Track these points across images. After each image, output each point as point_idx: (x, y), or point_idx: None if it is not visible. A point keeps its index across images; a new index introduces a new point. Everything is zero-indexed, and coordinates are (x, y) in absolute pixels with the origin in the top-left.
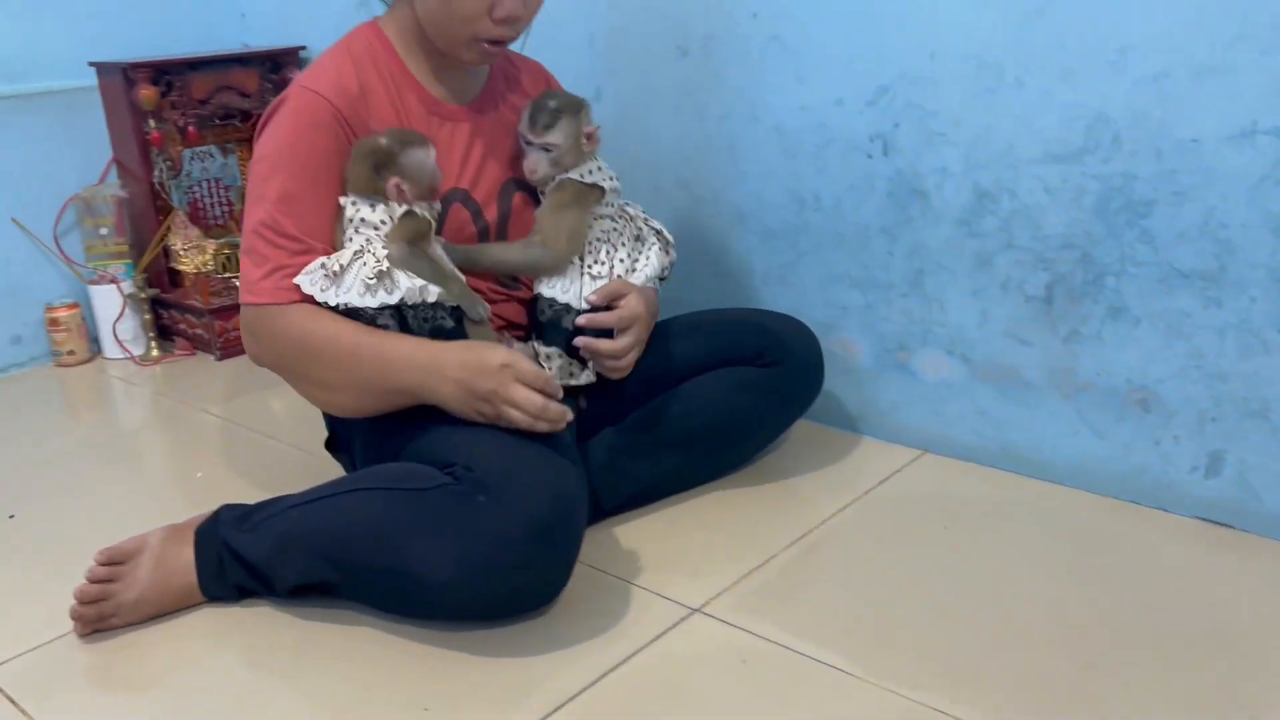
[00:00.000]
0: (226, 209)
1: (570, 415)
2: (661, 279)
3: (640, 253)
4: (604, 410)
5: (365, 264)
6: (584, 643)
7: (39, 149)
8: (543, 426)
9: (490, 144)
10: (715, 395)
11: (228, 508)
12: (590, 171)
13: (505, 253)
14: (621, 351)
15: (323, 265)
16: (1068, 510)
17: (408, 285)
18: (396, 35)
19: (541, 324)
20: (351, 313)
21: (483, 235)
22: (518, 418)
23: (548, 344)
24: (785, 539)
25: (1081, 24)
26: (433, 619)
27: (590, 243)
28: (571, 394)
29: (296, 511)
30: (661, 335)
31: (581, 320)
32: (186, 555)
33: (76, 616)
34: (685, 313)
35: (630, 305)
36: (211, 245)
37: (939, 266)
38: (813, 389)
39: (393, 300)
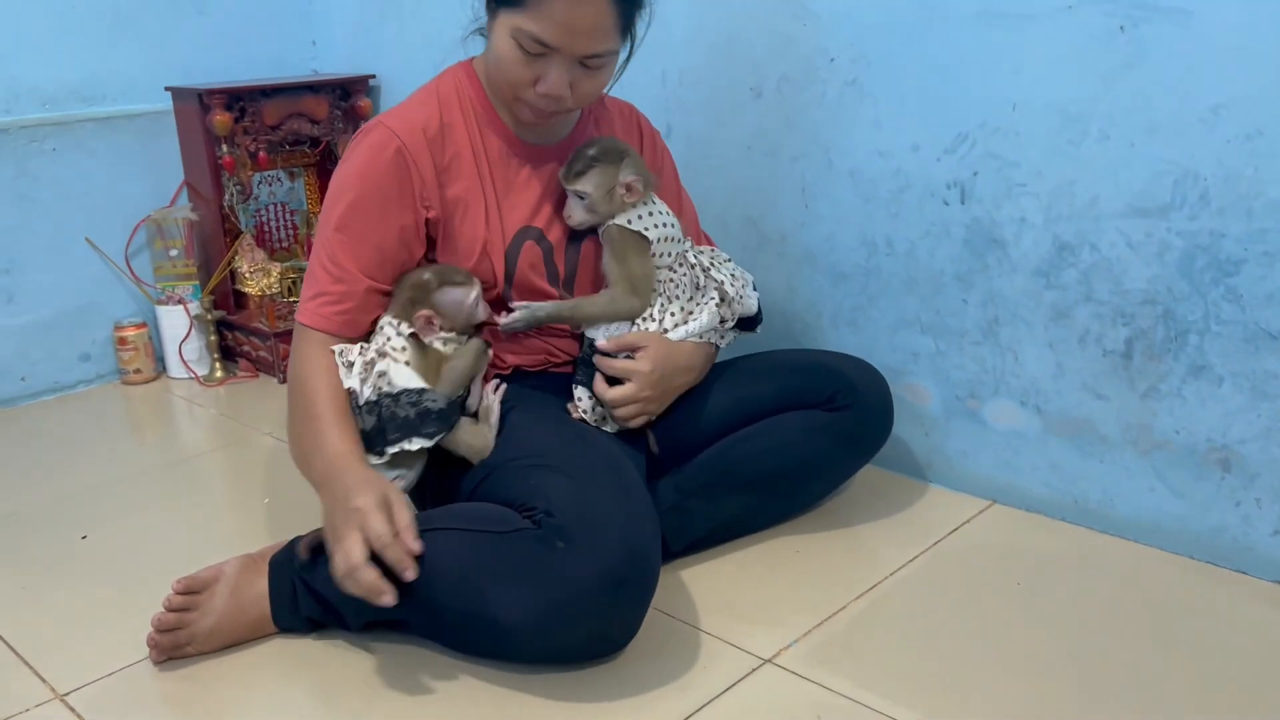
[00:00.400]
0: (291, 233)
1: (387, 598)
2: (749, 325)
3: (698, 304)
4: (672, 450)
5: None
6: (657, 690)
7: (113, 171)
8: (349, 586)
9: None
10: (785, 439)
11: (302, 540)
12: (638, 218)
13: (591, 308)
14: (616, 401)
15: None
16: (1143, 569)
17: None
18: (485, 76)
19: (576, 361)
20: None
21: (552, 278)
22: (337, 560)
23: (577, 383)
24: (855, 589)
25: (1171, 80)
26: (505, 660)
27: None
28: (639, 434)
29: None
30: (730, 376)
31: (599, 361)
32: (260, 585)
33: (153, 644)
34: (753, 353)
35: (636, 362)
36: (277, 268)
37: (1014, 316)
38: (882, 434)
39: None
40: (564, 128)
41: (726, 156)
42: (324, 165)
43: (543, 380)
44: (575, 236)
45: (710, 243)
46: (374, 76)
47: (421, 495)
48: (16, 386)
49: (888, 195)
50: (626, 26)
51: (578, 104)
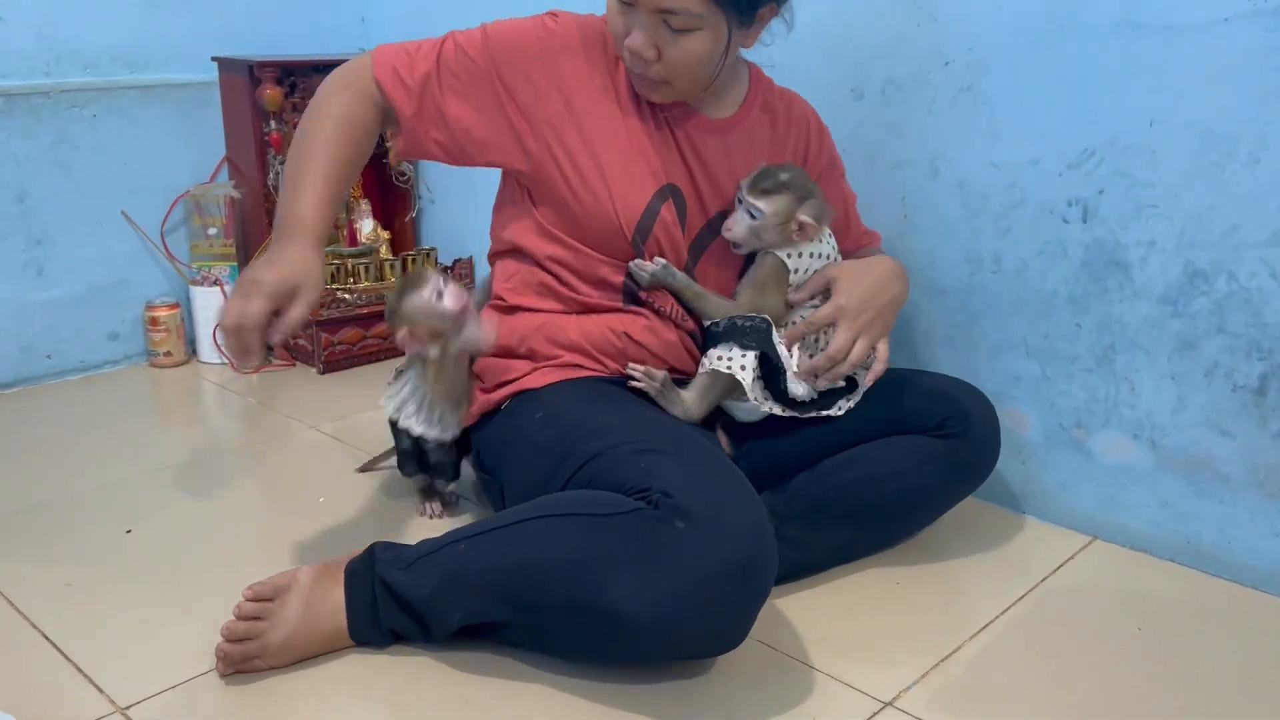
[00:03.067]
0: None
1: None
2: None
3: None
4: (766, 470)
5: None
6: None
7: (154, 142)
8: (227, 339)
9: (721, 159)
10: (894, 466)
11: (383, 545)
12: (798, 255)
13: (712, 306)
14: (838, 350)
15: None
16: (1272, 619)
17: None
18: None
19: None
20: None
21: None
22: (229, 309)
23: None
24: (965, 629)
25: None
26: (618, 660)
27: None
28: (710, 424)
29: (466, 545)
30: None
31: (794, 331)
32: (336, 596)
33: (222, 655)
34: None
35: (829, 305)
36: None
37: (1133, 344)
38: (991, 464)
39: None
40: (726, 105)
41: None
42: None
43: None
44: (704, 233)
45: (872, 236)
46: None
47: (496, 478)
48: (42, 365)
49: (999, 210)
50: None
51: (669, 74)
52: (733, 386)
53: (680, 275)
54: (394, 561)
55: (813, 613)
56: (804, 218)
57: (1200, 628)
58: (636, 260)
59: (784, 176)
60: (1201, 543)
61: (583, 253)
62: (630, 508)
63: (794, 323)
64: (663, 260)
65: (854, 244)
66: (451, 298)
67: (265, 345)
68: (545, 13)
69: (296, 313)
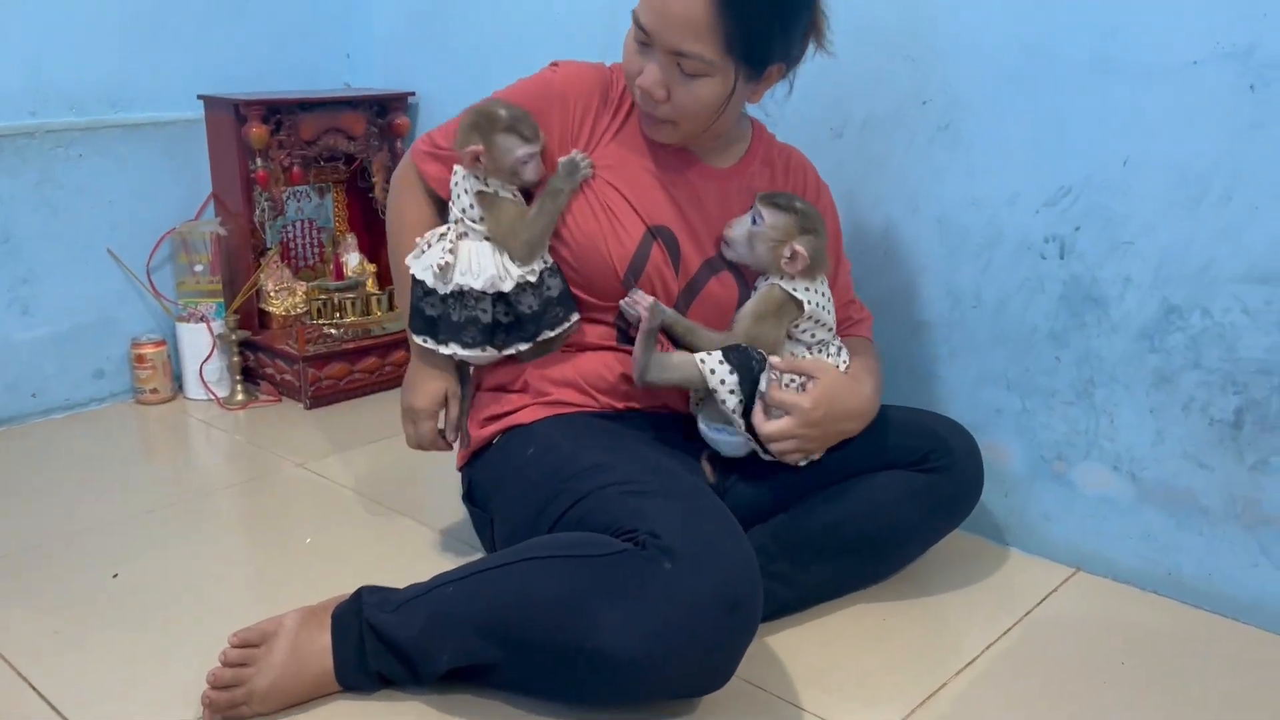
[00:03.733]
0: (318, 251)
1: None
2: None
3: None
4: (749, 502)
5: (440, 249)
6: None
7: (140, 180)
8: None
9: (718, 206)
10: (880, 502)
11: (370, 589)
12: (805, 289)
13: (711, 340)
14: (771, 435)
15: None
16: (1252, 650)
17: (456, 282)
18: None
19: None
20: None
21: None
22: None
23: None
24: (952, 664)
25: None
26: (606, 700)
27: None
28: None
29: (454, 588)
30: None
31: (769, 392)
32: (323, 640)
33: (208, 702)
34: None
35: (802, 396)
36: (302, 287)
37: (1111, 379)
38: (975, 499)
39: (445, 290)
40: (731, 155)
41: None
42: (354, 183)
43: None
44: (704, 267)
45: (862, 310)
46: (413, 94)
47: (488, 513)
48: (27, 403)
49: (978, 246)
50: (730, 44)
51: (676, 115)
52: (699, 386)
53: (669, 311)
54: (381, 605)
55: (799, 650)
56: (798, 246)
57: (1183, 659)
58: (626, 298)
59: (799, 204)
60: (1183, 574)
61: (577, 291)
62: (617, 549)
63: (791, 353)
64: (651, 298)
65: (845, 313)
66: (534, 171)
67: (447, 440)
68: (546, 66)
69: (453, 415)
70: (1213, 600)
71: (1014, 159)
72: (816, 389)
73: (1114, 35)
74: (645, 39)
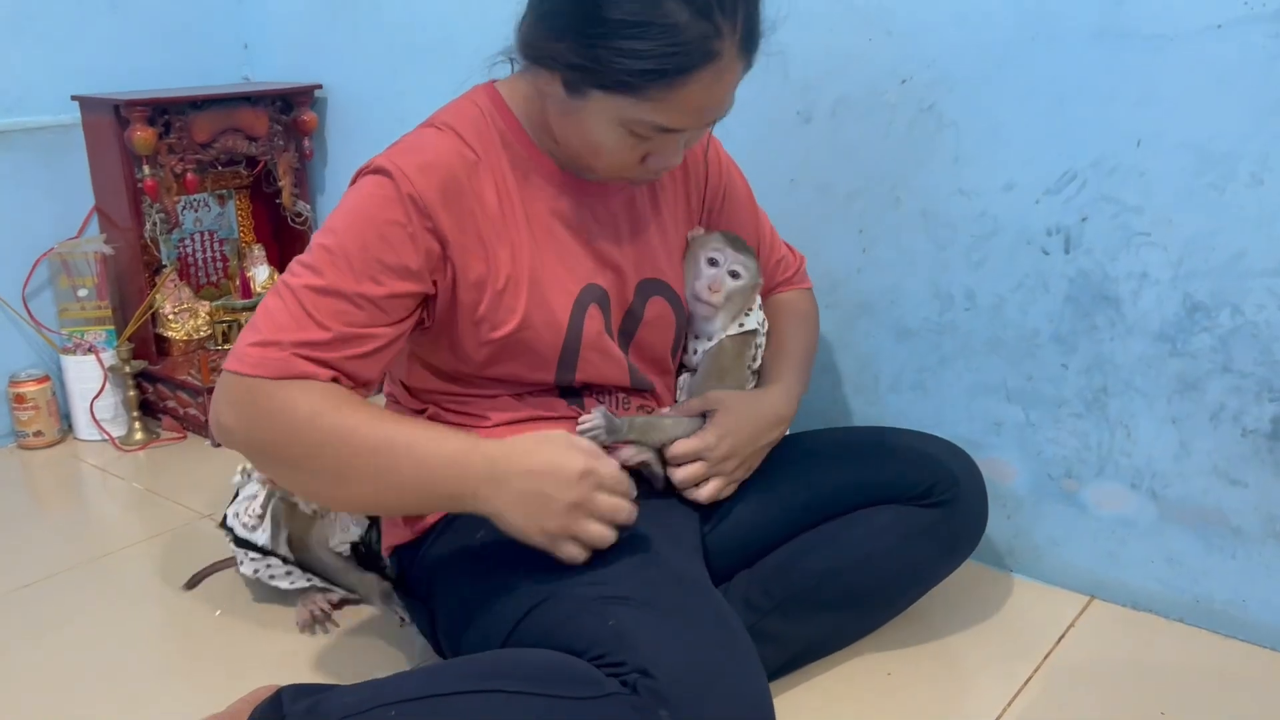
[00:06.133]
0: (221, 266)
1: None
2: None
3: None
4: (734, 542)
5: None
6: None
7: (8, 195)
8: (610, 539)
9: (637, 223)
10: (883, 545)
11: (292, 692)
12: (745, 317)
13: (677, 429)
14: (685, 482)
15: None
16: None
17: (265, 540)
18: (523, 108)
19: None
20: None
21: (620, 339)
22: (598, 535)
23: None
24: None
25: None
26: None
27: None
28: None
29: (398, 712)
30: (799, 459)
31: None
32: None
33: None
34: (816, 429)
35: (702, 439)
36: (205, 308)
37: (1127, 386)
38: (980, 533)
39: (259, 541)
40: None
41: (765, 190)
42: (258, 188)
43: None
44: (640, 292)
45: (792, 259)
46: (320, 86)
47: (427, 604)
48: None
49: (970, 241)
50: (747, 64)
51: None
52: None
53: (620, 424)
54: (307, 718)
55: (799, 717)
56: (760, 286)
57: (1228, 702)
58: (579, 426)
59: (734, 235)
60: (1214, 601)
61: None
62: (601, 692)
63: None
64: (599, 410)
65: (773, 274)
66: None
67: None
68: (370, 180)
69: (610, 469)
70: (1248, 630)
71: (1009, 142)
72: (714, 421)
73: None
74: (666, 132)
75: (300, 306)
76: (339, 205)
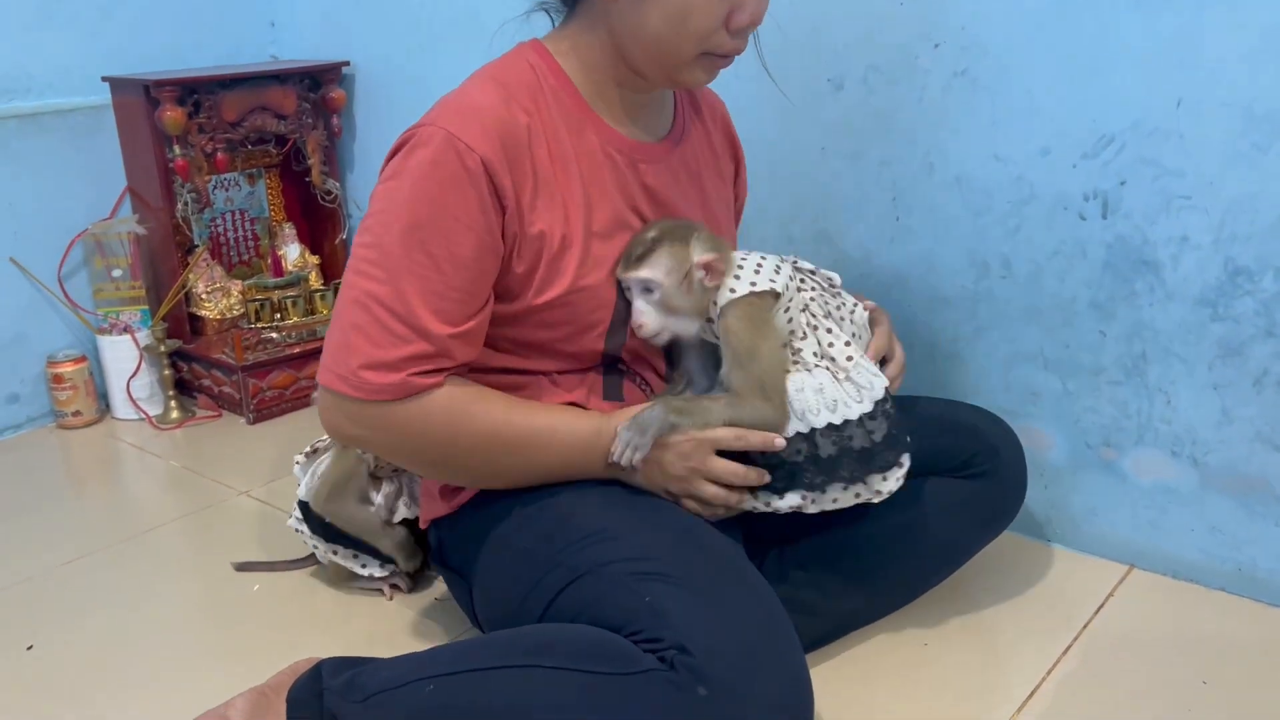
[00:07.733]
0: (253, 245)
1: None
2: None
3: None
4: (771, 521)
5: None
6: None
7: (42, 177)
8: (734, 500)
9: (689, 182)
10: (920, 517)
11: (331, 665)
12: (745, 279)
13: (716, 411)
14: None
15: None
16: None
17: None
18: (575, 63)
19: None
20: None
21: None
22: (713, 495)
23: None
24: (1013, 696)
25: None
26: None
27: None
28: None
29: (436, 685)
30: None
31: None
32: None
33: None
34: None
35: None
36: (237, 287)
37: (1167, 352)
38: (1019, 504)
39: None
40: (665, 116)
41: (795, 159)
42: (288, 166)
43: None
44: None
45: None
46: (347, 63)
47: (466, 579)
48: None
49: (1006, 207)
50: None
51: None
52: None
53: (654, 421)
54: (346, 691)
55: (832, 692)
56: (705, 257)
57: (1269, 672)
58: (614, 455)
59: (651, 234)
60: (1257, 569)
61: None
62: (640, 668)
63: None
64: (620, 429)
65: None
66: None
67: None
68: (427, 154)
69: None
70: None
71: (1045, 106)
72: (882, 330)
73: None
74: None
75: (393, 315)
76: (394, 184)
